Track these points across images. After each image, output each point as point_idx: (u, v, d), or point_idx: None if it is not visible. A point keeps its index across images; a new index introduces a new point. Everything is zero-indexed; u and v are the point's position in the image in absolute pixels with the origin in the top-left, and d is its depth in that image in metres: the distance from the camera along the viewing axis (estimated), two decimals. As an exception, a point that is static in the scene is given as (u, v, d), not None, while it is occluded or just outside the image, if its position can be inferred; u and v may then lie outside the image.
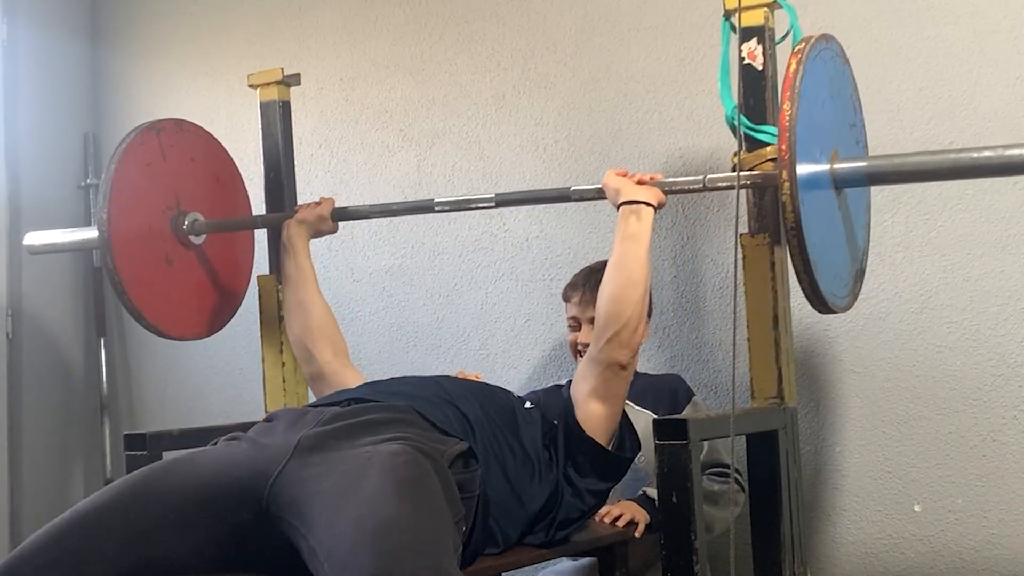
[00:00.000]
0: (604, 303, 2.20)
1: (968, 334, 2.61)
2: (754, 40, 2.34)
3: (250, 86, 2.90)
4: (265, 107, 2.88)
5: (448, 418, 2.01)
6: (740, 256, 2.32)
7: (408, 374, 2.45)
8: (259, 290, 2.83)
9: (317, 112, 3.48)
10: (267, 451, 1.79)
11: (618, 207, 2.28)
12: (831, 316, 2.64)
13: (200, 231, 2.72)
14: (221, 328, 2.84)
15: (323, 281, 2.70)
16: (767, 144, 2.29)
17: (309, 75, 3.22)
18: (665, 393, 2.62)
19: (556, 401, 2.43)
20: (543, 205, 3.08)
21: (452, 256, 3.28)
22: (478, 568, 1.95)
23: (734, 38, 2.37)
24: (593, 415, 2.16)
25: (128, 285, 2.53)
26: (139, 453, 2.50)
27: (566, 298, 2.68)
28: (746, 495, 2.43)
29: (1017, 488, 2.56)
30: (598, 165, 3.03)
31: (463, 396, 2.11)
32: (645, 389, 2.63)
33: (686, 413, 2.53)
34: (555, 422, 2.21)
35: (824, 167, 2.12)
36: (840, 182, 2.16)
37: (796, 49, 2.05)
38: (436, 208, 2.61)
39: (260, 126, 2.89)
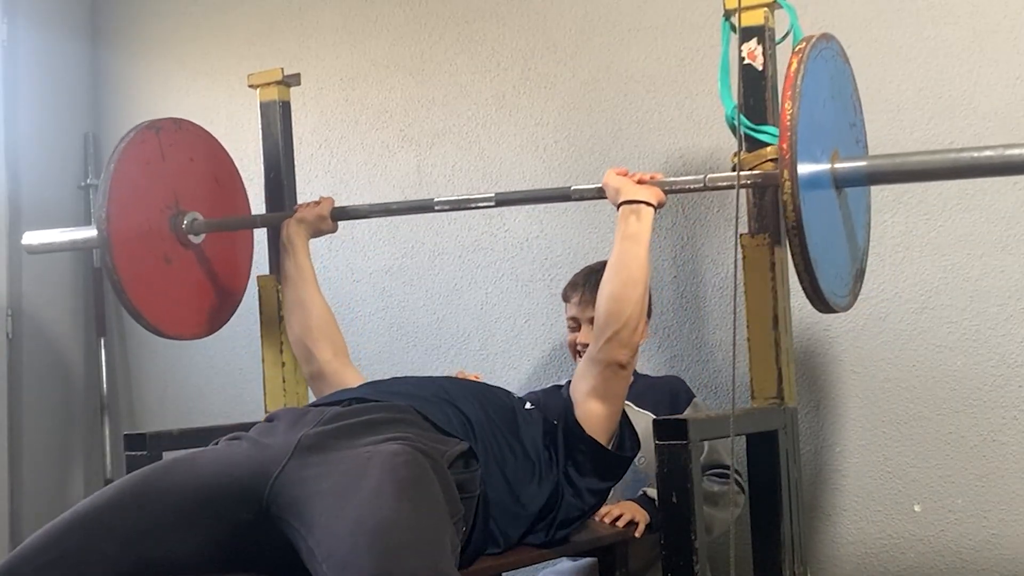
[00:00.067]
0: (604, 302, 2.20)
1: (968, 334, 2.61)
2: (754, 40, 2.34)
3: (250, 86, 2.90)
4: (265, 107, 2.88)
5: (449, 418, 2.01)
6: (740, 256, 2.32)
7: (408, 374, 2.45)
8: (259, 290, 2.83)
9: (317, 112, 3.48)
10: (267, 451, 1.79)
11: (618, 207, 2.28)
12: (831, 316, 2.64)
13: (199, 230, 2.72)
14: (220, 328, 2.83)
15: (323, 281, 2.70)
16: (767, 144, 2.30)
17: (309, 75, 3.22)
18: (666, 395, 2.62)
19: (556, 401, 2.43)
20: (543, 205, 3.08)
21: (452, 256, 3.28)
22: (478, 568, 1.95)
23: (734, 38, 2.37)
24: (593, 414, 2.16)
25: (127, 284, 2.53)
26: (139, 453, 2.50)
27: (566, 298, 2.68)
28: (746, 496, 2.43)
29: (1017, 488, 2.56)
30: (598, 165, 3.03)
31: (464, 396, 2.11)
32: (645, 390, 2.63)
33: (686, 414, 2.52)
34: (555, 422, 2.21)
35: (825, 166, 2.12)
36: (841, 181, 2.16)
37: (797, 48, 2.05)
38: (436, 208, 2.60)
39: (260, 126, 2.89)
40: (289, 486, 1.72)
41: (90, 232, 2.65)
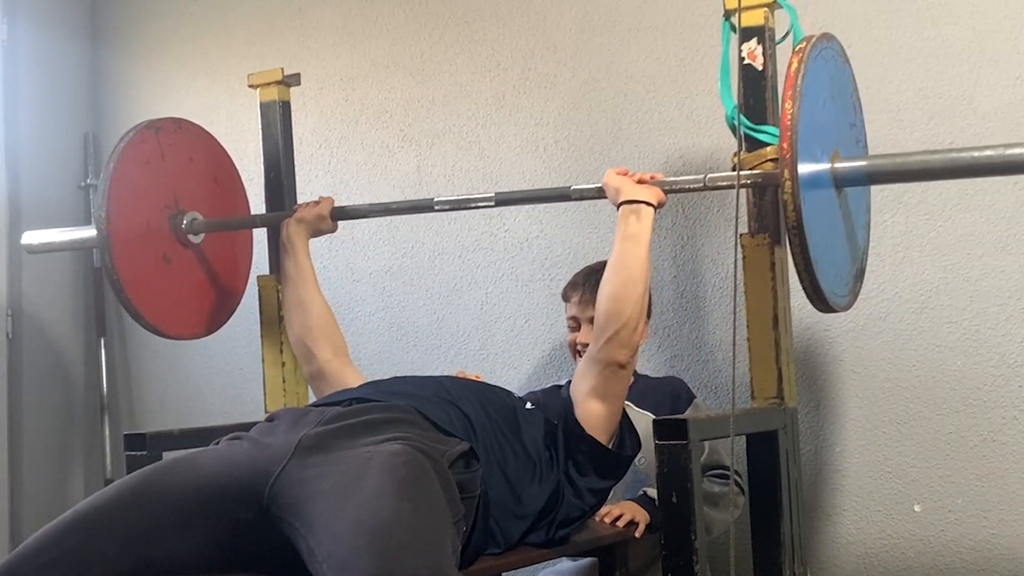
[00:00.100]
0: (604, 302, 2.20)
1: (968, 334, 2.61)
2: (754, 40, 2.34)
3: (250, 86, 2.90)
4: (265, 107, 2.88)
5: (449, 418, 2.01)
6: (740, 256, 2.32)
7: (408, 374, 2.45)
8: (259, 290, 2.83)
9: (317, 112, 3.48)
10: (268, 451, 1.79)
11: (618, 206, 2.28)
12: (831, 316, 2.64)
13: (199, 230, 2.72)
14: (219, 327, 2.83)
15: (323, 281, 2.70)
16: (767, 144, 2.30)
17: (309, 75, 3.22)
18: (666, 396, 2.62)
19: (555, 401, 2.43)
20: (543, 205, 3.08)
21: (452, 256, 3.28)
22: (478, 568, 1.95)
23: (734, 38, 2.37)
24: (592, 414, 2.16)
25: (126, 284, 2.53)
26: (139, 453, 2.50)
27: (566, 298, 2.68)
28: (745, 498, 2.43)
29: (1017, 488, 2.56)
30: (598, 165, 3.03)
31: (464, 396, 2.11)
32: (646, 391, 2.63)
33: (687, 414, 2.52)
34: (555, 422, 2.21)
35: (825, 166, 2.12)
36: (841, 181, 2.16)
37: (798, 48, 2.05)
38: (436, 207, 2.60)
39: (260, 126, 2.89)
40: (290, 486, 1.72)
41: (89, 232, 2.65)
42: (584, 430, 2.14)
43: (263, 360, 2.83)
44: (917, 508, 2.66)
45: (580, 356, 2.55)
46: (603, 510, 2.30)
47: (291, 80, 2.88)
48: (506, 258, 3.20)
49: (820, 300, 2.12)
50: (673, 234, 2.95)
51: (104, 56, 3.93)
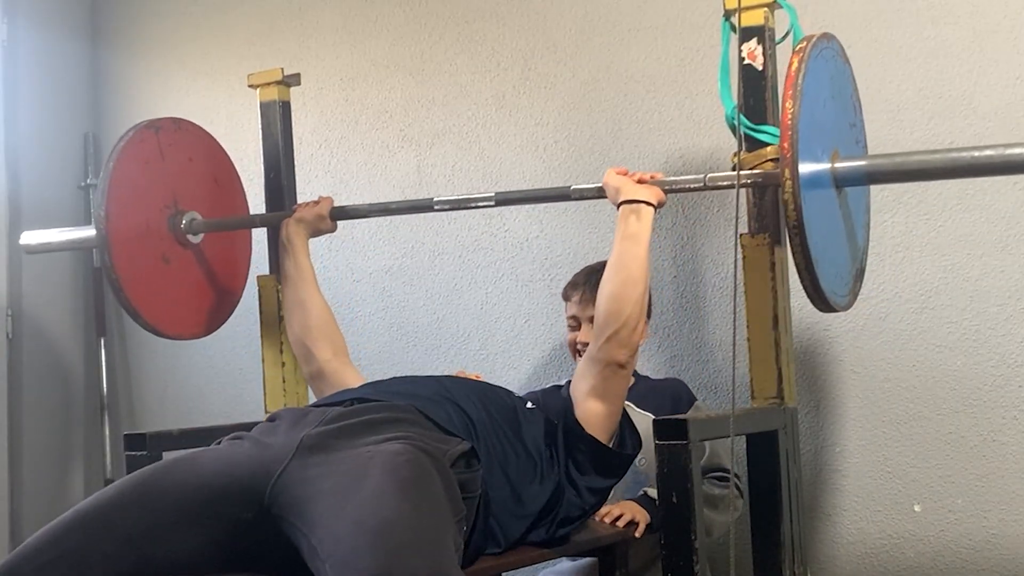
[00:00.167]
0: (603, 302, 2.20)
1: (968, 334, 2.61)
2: (754, 40, 2.34)
3: (250, 86, 2.90)
4: (265, 107, 2.88)
5: (450, 417, 2.01)
6: (740, 256, 2.32)
7: (408, 374, 2.45)
8: (259, 290, 2.83)
9: (317, 112, 3.48)
10: (269, 451, 1.79)
11: (618, 206, 2.28)
12: (831, 316, 2.64)
13: (198, 230, 2.72)
14: (219, 328, 2.83)
15: (323, 281, 2.70)
16: (767, 144, 2.30)
17: (309, 75, 3.22)
18: (667, 397, 2.62)
19: (555, 401, 2.43)
20: (543, 205, 3.08)
21: (452, 256, 3.28)
22: (478, 568, 1.95)
23: (734, 38, 2.37)
24: (592, 413, 2.16)
25: (126, 283, 2.53)
26: (139, 453, 2.50)
27: (566, 297, 2.68)
28: (744, 501, 2.43)
29: (1017, 488, 2.56)
30: (598, 165, 3.03)
31: (465, 396, 2.11)
32: (647, 392, 2.63)
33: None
34: (555, 422, 2.21)
35: (825, 166, 2.12)
36: (841, 181, 2.16)
37: (798, 47, 2.05)
38: (436, 207, 2.60)
39: (260, 126, 2.89)
40: (291, 486, 1.72)
41: (88, 232, 2.65)
42: (584, 429, 2.14)
43: (263, 360, 2.83)
44: (917, 508, 2.66)
45: (580, 355, 2.55)
46: (603, 510, 2.30)
47: (291, 80, 2.88)
48: (506, 258, 3.20)
49: (820, 300, 2.12)
50: (673, 234, 2.95)
51: (104, 56, 3.93)
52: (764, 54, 2.34)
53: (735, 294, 2.09)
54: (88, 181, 3.83)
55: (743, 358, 2.38)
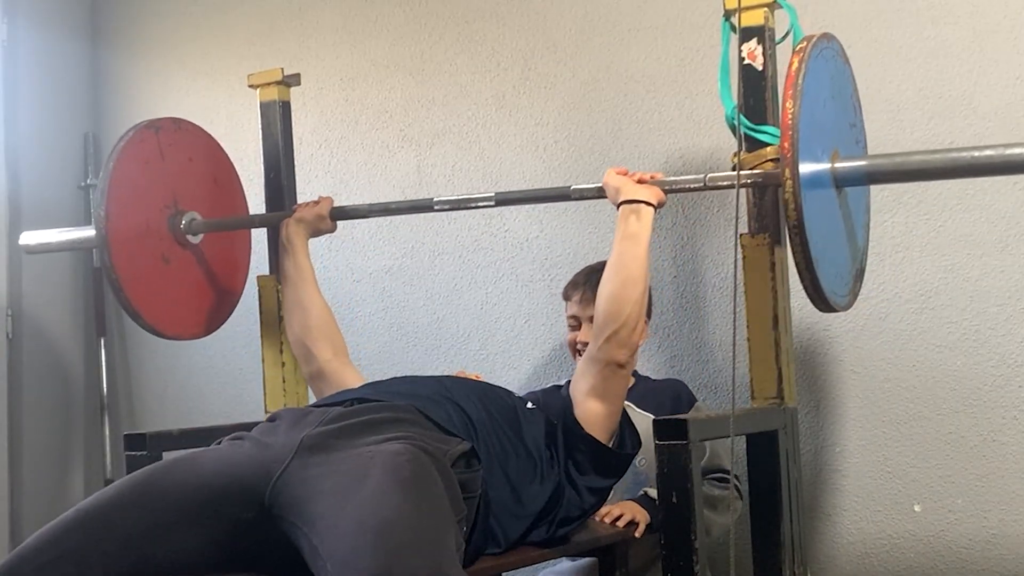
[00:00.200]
0: (603, 302, 2.20)
1: (968, 334, 2.61)
2: (754, 40, 2.34)
3: (250, 86, 2.90)
4: (265, 107, 2.88)
5: (451, 417, 2.01)
6: (740, 256, 2.32)
7: (408, 374, 2.45)
8: (259, 290, 2.83)
9: (317, 112, 3.48)
10: (269, 451, 1.79)
11: (618, 206, 2.28)
12: (831, 316, 2.64)
13: (198, 230, 2.72)
14: (218, 328, 2.83)
15: (323, 281, 2.70)
16: (767, 144, 2.29)
17: (309, 75, 3.22)
18: (668, 398, 2.62)
19: (555, 401, 2.43)
20: (543, 205, 3.08)
21: (452, 256, 3.28)
22: (478, 568, 1.95)
23: (734, 38, 2.37)
24: (592, 413, 2.16)
25: (125, 284, 2.53)
26: (139, 453, 2.50)
27: (566, 296, 2.68)
28: (744, 502, 2.43)
29: (1017, 488, 2.56)
30: (598, 165, 3.03)
31: (465, 395, 2.11)
32: (647, 393, 2.63)
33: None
34: (555, 422, 2.21)
35: (825, 166, 2.12)
36: (841, 181, 2.16)
37: (798, 47, 2.05)
38: (436, 208, 2.60)
39: (260, 126, 2.89)
40: (291, 486, 1.72)
41: (88, 232, 2.66)
42: (583, 429, 2.14)
43: (263, 360, 2.83)
44: (917, 508, 2.66)
45: (580, 355, 2.55)
46: (603, 510, 2.30)
47: (291, 80, 2.88)
48: (506, 258, 3.20)
49: (821, 300, 2.12)
50: (673, 234, 2.95)
51: (104, 56, 3.93)
52: (764, 54, 2.34)
53: (735, 294, 2.09)
54: (88, 181, 3.83)
55: (743, 358, 2.38)
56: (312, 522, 1.65)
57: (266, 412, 2.72)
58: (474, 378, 2.35)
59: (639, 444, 2.23)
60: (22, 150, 3.69)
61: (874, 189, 2.49)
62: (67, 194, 3.83)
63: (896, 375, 2.68)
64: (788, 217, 1.98)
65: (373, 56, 3.42)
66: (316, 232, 2.67)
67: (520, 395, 2.44)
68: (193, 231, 2.71)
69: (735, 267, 2.20)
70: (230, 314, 2.86)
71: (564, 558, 2.52)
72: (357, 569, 1.51)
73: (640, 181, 2.30)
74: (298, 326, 2.57)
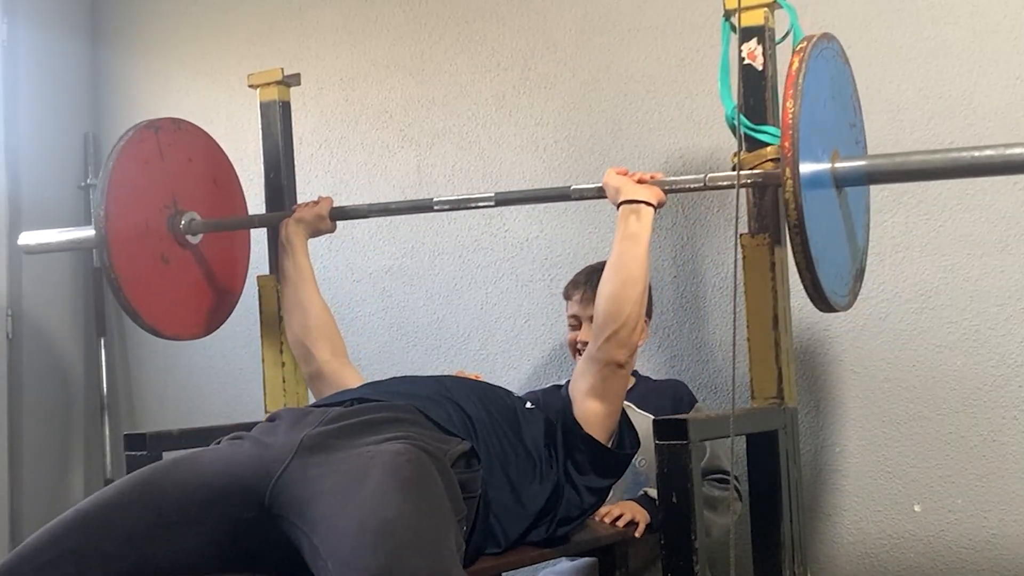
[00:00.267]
0: (603, 302, 2.20)
1: (968, 334, 2.61)
2: (754, 40, 2.34)
3: (250, 86, 2.90)
4: (265, 107, 2.88)
5: (450, 417, 2.01)
6: (740, 256, 2.32)
7: (408, 374, 2.45)
8: (259, 290, 2.83)
9: (317, 112, 3.48)
10: (270, 450, 1.79)
11: (618, 206, 2.28)
12: (831, 316, 2.64)
13: (197, 230, 2.72)
14: (217, 328, 2.83)
15: (323, 281, 2.70)
16: (767, 144, 2.30)
17: (309, 75, 3.22)
18: (668, 399, 2.61)
19: (555, 401, 2.42)
20: (543, 205, 3.08)
21: (452, 256, 3.28)
22: (478, 568, 1.95)
23: (734, 38, 2.37)
24: (591, 413, 2.16)
25: (125, 283, 2.53)
26: (139, 453, 2.50)
27: (567, 296, 2.68)
28: (744, 503, 2.43)
29: (1017, 488, 2.56)
30: (598, 165, 3.03)
31: (465, 395, 2.11)
32: (648, 393, 2.63)
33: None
34: (555, 422, 2.21)
35: (825, 166, 2.12)
36: (841, 181, 2.16)
37: (799, 47, 2.05)
38: (436, 208, 2.60)
39: (260, 126, 2.89)
40: (292, 486, 1.72)
41: (86, 232, 2.66)
42: (583, 429, 2.14)
43: (263, 360, 2.83)
44: (917, 508, 2.66)
45: (580, 355, 2.55)
46: (603, 510, 2.30)
47: (291, 80, 2.88)
48: (506, 258, 3.20)
49: (821, 299, 2.12)
50: (673, 234, 2.95)
51: (104, 56, 3.93)
52: (764, 54, 2.34)
53: (735, 294, 2.09)
54: (88, 181, 3.83)
55: (743, 358, 2.38)
56: (312, 522, 1.65)
57: (266, 412, 2.72)
58: (473, 378, 2.35)
59: (638, 444, 2.22)
60: (22, 150, 3.69)
61: (874, 189, 2.49)
62: (67, 194, 3.83)
63: (896, 375, 2.68)
64: (788, 217, 1.98)
65: (373, 56, 3.42)
66: (316, 232, 2.67)
67: (520, 395, 2.44)
68: (192, 231, 2.71)
69: (735, 267, 2.20)
70: (229, 314, 2.85)
71: (564, 558, 2.52)
72: (357, 569, 1.51)
73: (640, 181, 2.30)
74: (297, 326, 2.57)
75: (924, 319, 2.66)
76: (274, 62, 3.10)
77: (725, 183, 2.30)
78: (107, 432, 3.79)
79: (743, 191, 2.33)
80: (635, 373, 2.68)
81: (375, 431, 1.83)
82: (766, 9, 2.35)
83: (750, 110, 2.33)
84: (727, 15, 2.39)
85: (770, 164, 2.26)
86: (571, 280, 2.68)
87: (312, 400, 2.51)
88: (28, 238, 2.85)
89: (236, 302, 2.87)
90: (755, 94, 2.34)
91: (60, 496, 3.70)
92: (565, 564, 2.59)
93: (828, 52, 2.17)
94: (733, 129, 2.35)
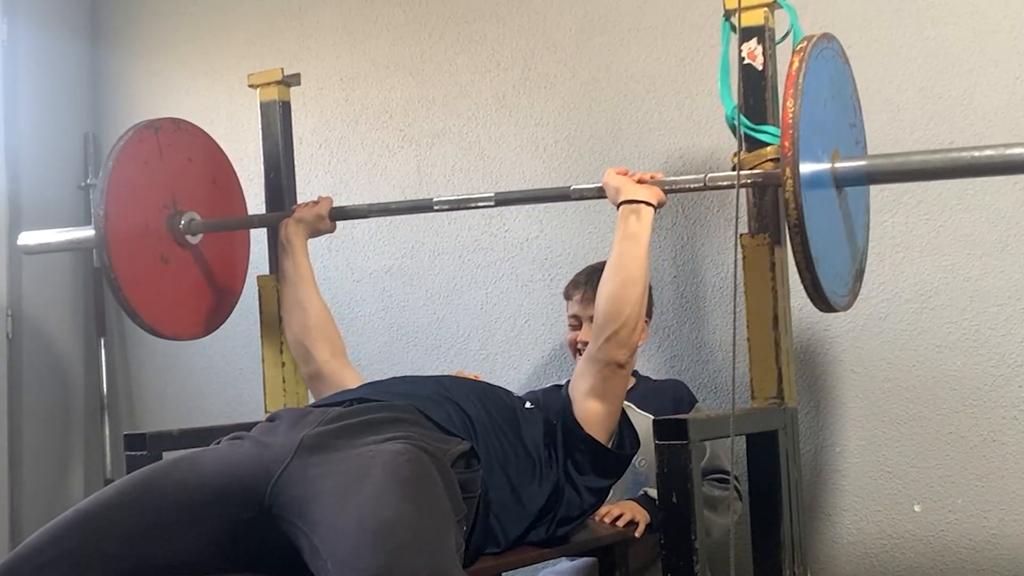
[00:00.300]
0: (603, 302, 2.20)
1: (968, 334, 2.61)
2: (754, 40, 2.34)
3: (250, 86, 2.90)
4: (265, 107, 2.88)
5: (450, 417, 2.01)
6: (740, 256, 2.32)
7: (408, 374, 2.45)
8: (259, 290, 2.83)
9: (317, 112, 3.48)
10: (269, 450, 1.79)
11: (618, 206, 2.28)
12: (831, 316, 2.64)
13: (197, 231, 2.72)
14: (217, 328, 2.83)
15: (323, 281, 2.70)
16: (767, 144, 2.30)
17: (309, 75, 3.22)
18: (668, 399, 2.61)
19: (555, 401, 2.42)
20: (543, 205, 3.08)
21: (452, 256, 3.28)
22: (478, 568, 1.95)
23: (734, 38, 2.37)
24: (591, 413, 2.16)
25: (124, 283, 2.53)
26: (139, 453, 2.50)
27: (567, 296, 2.68)
28: (744, 504, 2.43)
29: (1017, 488, 2.56)
30: (598, 165, 3.03)
31: (465, 395, 2.11)
32: (648, 394, 2.63)
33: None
34: (555, 422, 2.21)
35: (825, 166, 2.12)
36: (841, 181, 2.16)
37: (799, 47, 2.05)
38: (436, 208, 2.60)
39: (260, 126, 2.89)
40: (291, 486, 1.72)
41: (87, 232, 2.66)
42: (583, 429, 2.14)
43: (263, 360, 2.83)
44: (917, 508, 2.66)
45: (580, 355, 2.55)
46: (603, 510, 2.30)
47: (291, 80, 2.88)
48: (506, 258, 3.20)
49: (821, 300, 2.12)
50: (673, 234, 2.95)
51: (104, 56, 3.93)
52: (764, 54, 2.34)
53: (735, 294, 2.09)
54: (88, 181, 3.83)
55: (743, 358, 2.38)
56: (312, 522, 1.65)
57: (266, 412, 2.72)
58: (473, 378, 2.35)
59: (638, 444, 2.22)
60: (22, 150, 3.69)
61: (874, 189, 2.49)
62: (67, 194, 3.83)
63: (896, 375, 2.68)
64: (788, 216, 1.98)
65: (373, 56, 3.42)
66: (315, 232, 2.67)
67: (520, 395, 2.44)
68: (192, 231, 2.71)
69: (735, 267, 2.20)
70: (229, 314, 2.85)
71: (564, 558, 2.52)
72: (357, 569, 1.51)
73: (640, 181, 2.30)
74: (297, 326, 2.56)
75: (924, 319, 2.66)
76: (274, 62, 3.10)
77: (725, 183, 2.30)
78: (107, 432, 3.79)
79: (743, 191, 2.33)
80: (635, 373, 2.68)
81: (375, 431, 1.83)
82: (766, 9, 2.35)
83: (750, 110, 2.34)
84: (727, 15, 2.39)
85: (770, 164, 2.26)
86: (571, 280, 2.68)
87: (312, 400, 2.51)
88: (28, 238, 2.85)
89: (236, 302, 2.87)
90: (755, 94, 2.34)
91: (60, 496, 3.70)
92: (565, 564, 2.59)
93: (828, 52, 2.17)
94: (733, 129, 2.35)
